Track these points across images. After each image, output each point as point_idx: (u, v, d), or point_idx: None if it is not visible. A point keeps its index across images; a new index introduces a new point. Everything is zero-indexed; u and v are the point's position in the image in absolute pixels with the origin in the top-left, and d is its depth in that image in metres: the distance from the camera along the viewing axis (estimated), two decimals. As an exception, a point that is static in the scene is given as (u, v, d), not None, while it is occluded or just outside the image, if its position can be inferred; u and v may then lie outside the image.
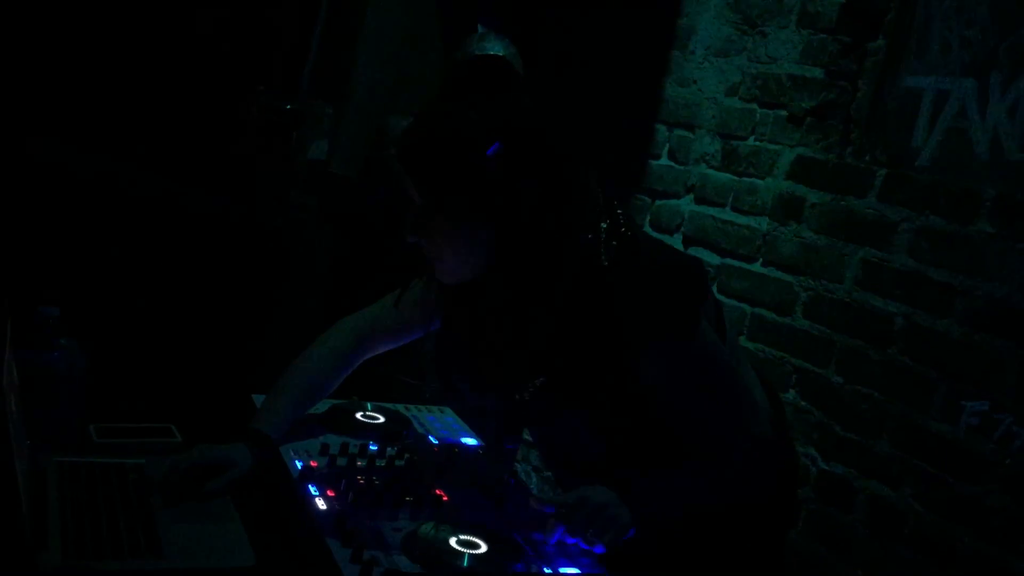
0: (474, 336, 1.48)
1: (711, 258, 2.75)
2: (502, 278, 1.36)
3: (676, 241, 2.89)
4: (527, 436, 3.17)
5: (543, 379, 1.43)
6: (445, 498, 1.46)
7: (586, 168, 1.39)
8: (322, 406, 1.74)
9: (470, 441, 1.74)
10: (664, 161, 2.96)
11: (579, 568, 1.33)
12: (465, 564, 1.27)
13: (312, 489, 1.41)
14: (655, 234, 2.90)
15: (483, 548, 1.30)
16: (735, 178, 2.72)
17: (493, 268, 1.36)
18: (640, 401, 1.43)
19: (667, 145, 2.95)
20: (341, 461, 1.51)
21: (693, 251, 2.79)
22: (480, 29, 2.81)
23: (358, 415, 1.72)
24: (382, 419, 1.72)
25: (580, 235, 1.37)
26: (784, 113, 2.59)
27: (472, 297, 1.45)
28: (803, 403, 2.44)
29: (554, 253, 1.34)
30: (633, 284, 1.37)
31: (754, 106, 2.69)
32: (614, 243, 1.38)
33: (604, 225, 1.39)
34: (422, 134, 1.35)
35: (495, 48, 2.73)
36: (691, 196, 2.86)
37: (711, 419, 1.43)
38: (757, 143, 2.67)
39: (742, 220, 2.67)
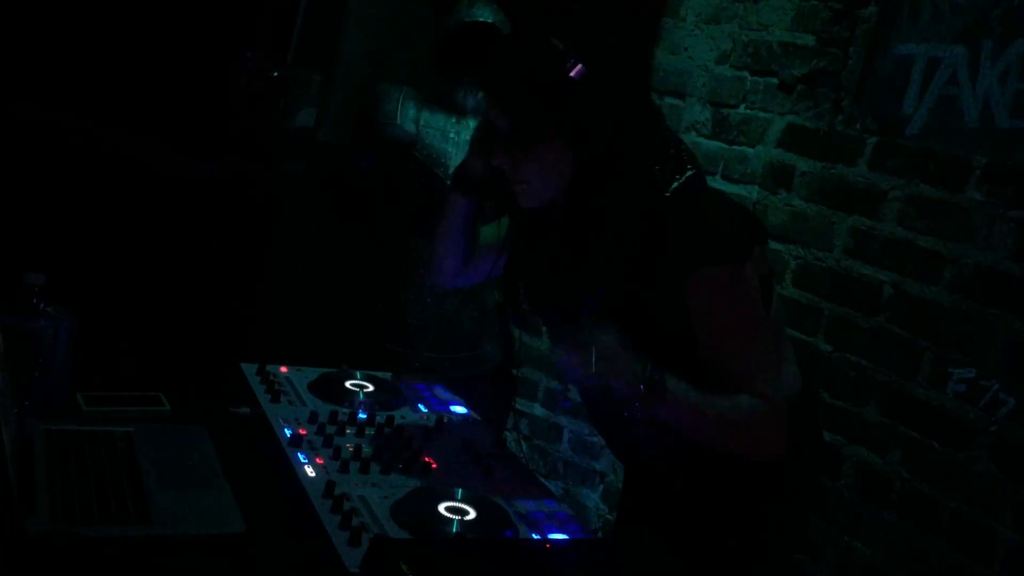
0: (540, 254, 1.54)
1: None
2: (575, 200, 1.42)
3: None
4: (519, 406, 3.18)
5: (601, 294, 1.44)
6: (434, 465, 1.46)
7: (656, 104, 1.46)
8: (312, 374, 1.74)
9: (459, 409, 1.75)
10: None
11: (567, 534, 1.34)
12: (454, 530, 1.27)
13: (301, 456, 1.41)
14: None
15: (472, 515, 1.31)
16: (725, 146, 2.71)
17: (568, 191, 1.43)
18: (680, 341, 1.43)
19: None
20: (330, 429, 1.51)
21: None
22: (469, -5, 2.77)
23: (347, 383, 1.72)
24: (371, 387, 1.72)
25: (649, 163, 1.43)
26: (775, 81, 2.58)
27: (542, 221, 1.52)
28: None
29: (625, 177, 1.41)
30: (692, 213, 1.42)
31: (745, 74, 2.67)
32: (678, 176, 1.43)
33: (669, 155, 1.46)
34: (509, 59, 1.43)
35: (484, 15, 2.70)
36: (681, 164, 2.85)
37: (734, 366, 1.43)
38: (748, 111, 2.65)
39: (732, 188, 2.66)
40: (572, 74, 1.36)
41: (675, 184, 1.43)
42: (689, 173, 1.45)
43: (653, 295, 1.42)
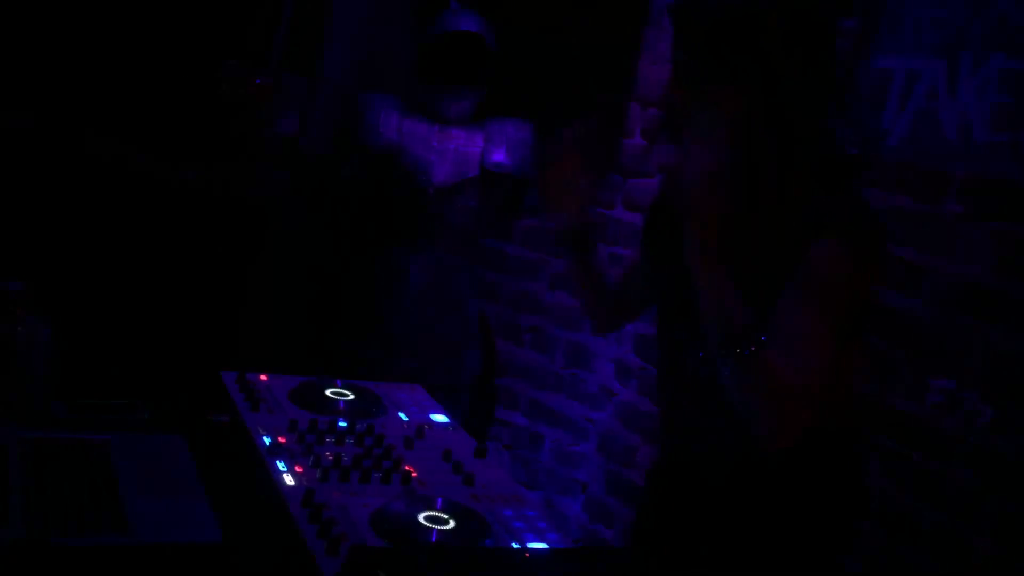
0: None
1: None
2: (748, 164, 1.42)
3: (648, 220, 2.89)
4: (500, 415, 3.18)
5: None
6: (414, 474, 1.46)
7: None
8: (292, 382, 1.73)
9: (440, 418, 1.74)
10: (637, 140, 2.96)
11: (547, 544, 1.34)
12: (433, 540, 1.27)
13: (280, 465, 1.40)
14: (628, 213, 2.91)
15: (451, 524, 1.30)
16: (707, 157, 2.72)
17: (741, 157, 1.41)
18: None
19: (639, 125, 2.95)
20: (310, 437, 1.51)
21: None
22: (453, 5, 2.78)
23: (327, 392, 1.71)
24: (351, 396, 1.72)
25: (823, 142, 1.45)
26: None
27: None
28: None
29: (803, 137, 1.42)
30: (840, 197, 1.43)
31: (727, 85, 2.69)
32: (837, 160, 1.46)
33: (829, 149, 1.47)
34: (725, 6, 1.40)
35: (468, 24, 2.71)
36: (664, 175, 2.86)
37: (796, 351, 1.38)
38: (730, 122, 2.67)
39: (714, 199, 2.67)
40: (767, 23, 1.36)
41: (853, 151, 1.47)
42: (850, 156, 1.49)
43: (776, 260, 1.41)
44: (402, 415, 1.71)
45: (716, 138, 1.41)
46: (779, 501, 1.51)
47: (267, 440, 1.48)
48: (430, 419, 1.73)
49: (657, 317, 1.63)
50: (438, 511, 1.32)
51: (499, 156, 2.76)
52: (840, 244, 1.40)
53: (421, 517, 1.30)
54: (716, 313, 1.39)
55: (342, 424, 1.58)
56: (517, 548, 1.31)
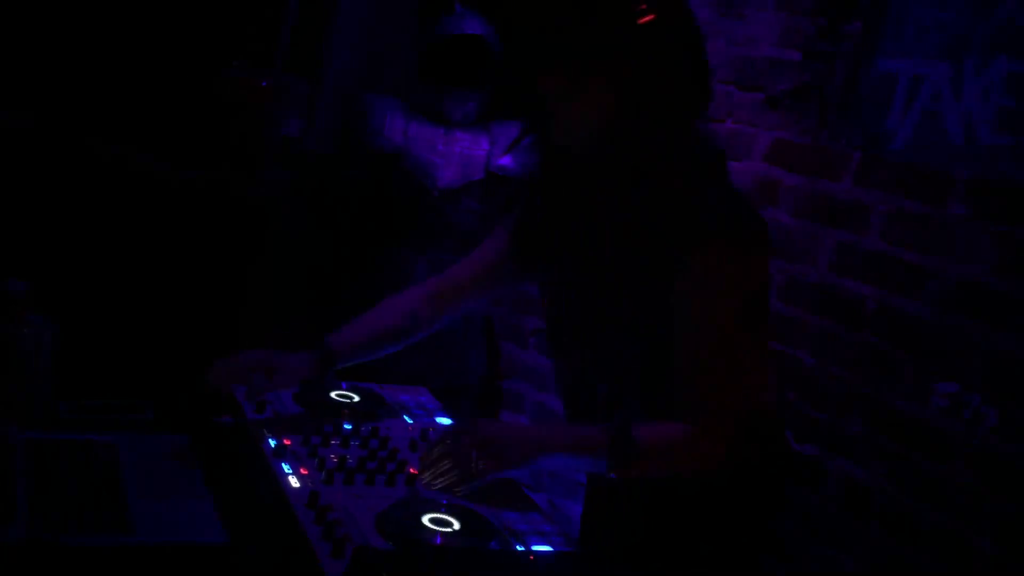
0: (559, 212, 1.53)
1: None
2: (608, 149, 1.42)
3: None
4: (504, 418, 3.18)
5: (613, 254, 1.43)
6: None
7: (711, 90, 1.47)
8: (296, 385, 1.73)
9: (444, 421, 1.74)
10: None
11: (551, 546, 1.34)
12: (438, 542, 1.27)
13: (285, 467, 1.41)
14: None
15: (456, 526, 1.30)
16: (711, 160, 2.72)
17: (601, 143, 1.42)
18: (659, 332, 1.42)
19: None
20: (315, 439, 1.51)
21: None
22: (457, 8, 2.78)
23: (332, 394, 1.71)
24: (356, 398, 1.72)
25: (683, 133, 1.43)
26: (761, 96, 2.60)
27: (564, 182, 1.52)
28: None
29: (658, 137, 1.40)
30: (710, 196, 1.41)
31: (732, 88, 2.69)
32: (705, 155, 1.44)
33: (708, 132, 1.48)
34: None
35: (472, 27, 2.71)
36: (667, 177, 2.86)
37: (709, 369, 1.40)
38: (734, 126, 2.67)
39: (718, 202, 2.67)
40: (640, 21, 1.36)
41: (701, 159, 1.43)
42: (721, 152, 1.47)
43: (653, 266, 1.40)
44: (407, 417, 1.71)
45: (581, 125, 1.42)
46: (700, 502, 1.51)
47: (272, 442, 1.48)
48: (435, 421, 1.73)
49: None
50: (443, 513, 1.32)
51: (504, 159, 2.76)
52: (728, 245, 1.38)
53: (426, 519, 1.30)
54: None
55: (347, 426, 1.58)
56: (521, 551, 1.31)
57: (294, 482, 1.36)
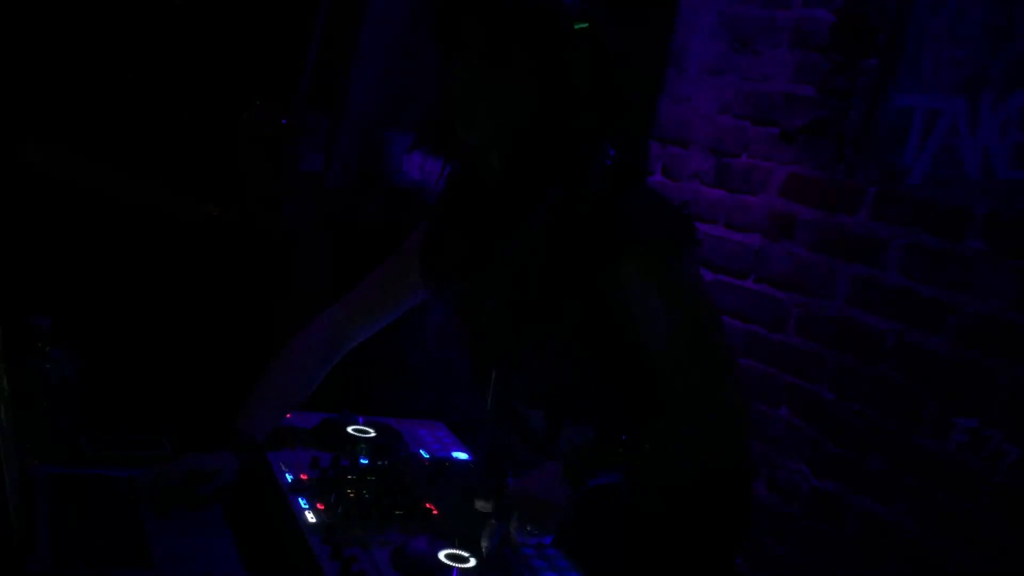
0: (465, 224, 1.50)
1: (703, 275, 2.76)
2: (516, 155, 1.39)
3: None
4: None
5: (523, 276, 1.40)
6: (435, 512, 1.46)
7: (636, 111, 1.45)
8: (313, 419, 1.74)
9: (461, 455, 1.74)
10: (658, 177, 2.97)
11: (568, 582, 1.33)
12: (454, 577, 1.27)
13: (302, 502, 1.41)
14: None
15: (472, 562, 1.30)
16: (728, 195, 2.73)
17: (512, 147, 1.39)
18: (606, 341, 1.40)
19: (661, 162, 2.97)
20: (331, 474, 1.51)
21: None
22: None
23: (349, 429, 1.72)
24: (373, 433, 1.73)
25: (599, 145, 1.39)
26: (777, 130, 2.61)
27: (471, 195, 1.50)
28: (795, 419, 2.45)
29: (575, 145, 1.37)
30: (631, 200, 1.38)
31: (747, 123, 2.71)
32: (621, 167, 1.41)
33: (614, 154, 1.42)
34: None
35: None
36: (684, 212, 2.87)
37: (680, 369, 1.38)
38: (750, 160, 2.68)
39: (735, 237, 2.68)
40: (572, 25, 1.34)
41: (617, 171, 1.39)
42: (633, 166, 1.42)
43: (581, 284, 1.37)
44: (423, 452, 1.72)
45: (493, 120, 1.38)
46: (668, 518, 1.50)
47: (289, 477, 1.48)
48: (451, 456, 1.73)
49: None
50: (459, 549, 1.32)
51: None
52: (658, 249, 1.36)
53: (442, 555, 1.30)
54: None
55: (363, 461, 1.59)
56: (537, 587, 1.31)
57: (311, 517, 1.37)
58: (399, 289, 1.70)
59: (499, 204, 1.45)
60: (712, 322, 1.43)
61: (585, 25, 1.35)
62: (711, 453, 1.42)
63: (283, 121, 2.95)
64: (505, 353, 1.51)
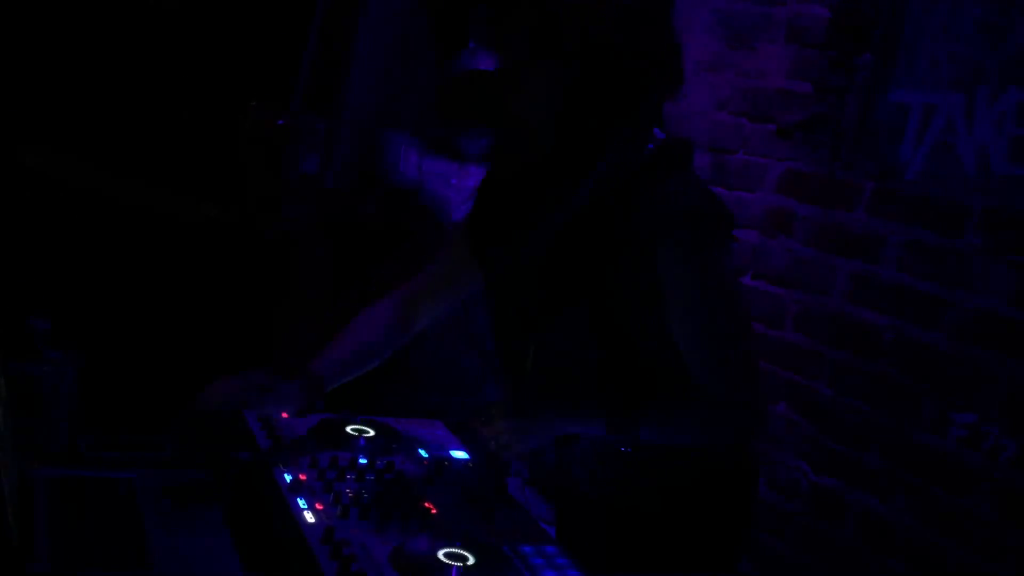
0: (509, 205, 1.51)
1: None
2: (565, 132, 1.39)
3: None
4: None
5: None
6: (434, 511, 1.46)
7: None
8: (312, 419, 1.74)
9: (460, 455, 1.75)
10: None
11: (567, 580, 1.33)
12: (453, 577, 1.27)
13: (301, 502, 1.41)
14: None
15: (471, 561, 1.31)
16: (725, 191, 2.73)
17: (559, 121, 1.39)
18: (631, 318, 1.41)
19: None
20: (330, 474, 1.52)
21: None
22: (471, 45, 2.82)
23: (348, 428, 1.72)
24: (372, 432, 1.73)
25: (645, 124, 1.41)
26: (773, 127, 2.61)
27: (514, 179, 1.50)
28: (794, 416, 2.45)
29: (621, 123, 1.38)
30: (677, 184, 1.40)
31: (743, 120, 2.71)
32: (668, 149, 1.42)
33: (662, 137, 1.44)
34: None
35: (486, 64, 2.74)
36: (682, 209, 2.87)
37: (703, 360, 1.40)
38: (747, 156, 2.68)
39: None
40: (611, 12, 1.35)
41: (658, 144, 1.41)
42: (675, 140, 1.44)
43: (621, 264, 1.39)
44: (422, 451, 1.72)
45: (534, 112, 1.39)
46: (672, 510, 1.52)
47: (288, 477, 1.49)
48: (450, 455, 1.73)
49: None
50: (458, 548, 1.33)
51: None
52: (693, 235, 1.37)
53: (441, 554, 1.31)
54: None
55: (362, 461, 1.59)
56: (536, 585, 1.31)
57: (309, 517, 1.37)
58: (455, 273, 1.75)
59: (546, 178, 1.45)
60: (741, 318, 1.45)
61: (629, 2, 1.36)
62: (717, 443, 1.45)
63: (280, 122, 2.95)
64: (540, 322, 1.52)
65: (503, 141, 1.53)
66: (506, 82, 1.42)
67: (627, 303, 1.41)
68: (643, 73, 1.38)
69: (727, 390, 1.41)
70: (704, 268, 1.39)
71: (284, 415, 1.73)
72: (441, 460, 1.67)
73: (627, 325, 1.43)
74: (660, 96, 1.44)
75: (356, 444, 1.67)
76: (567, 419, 1.48)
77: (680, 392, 1.43)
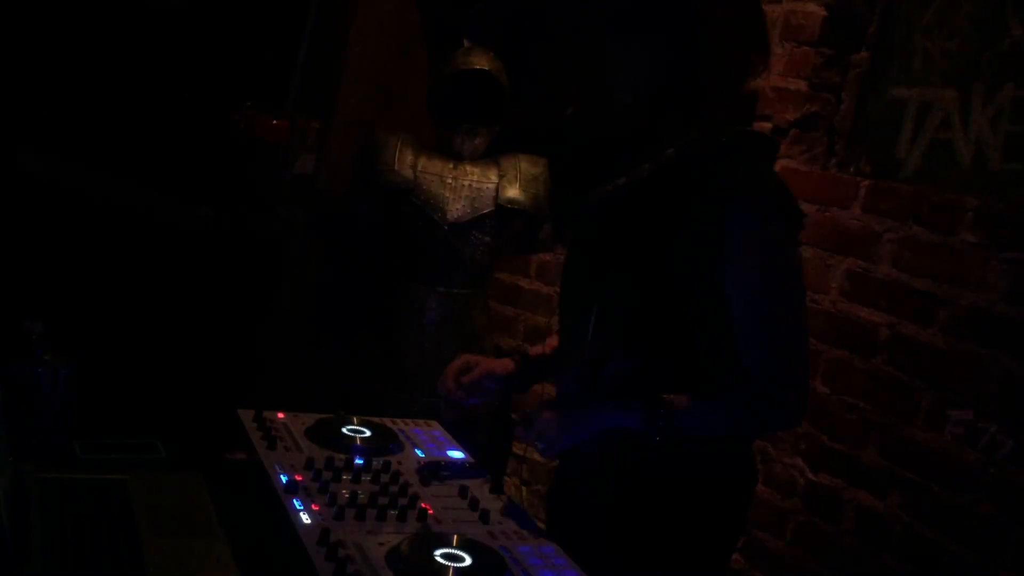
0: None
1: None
2: (658, 112, 1.45)
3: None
4: (517, 451, 3.17)
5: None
6: (430, 511, 1.46)
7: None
8: (308, 419, 1.74)
9: (456, 455, 1.74)
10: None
11: (564, 580, 1.33)
12: (450, 577, 1.27)
13: (297, 503, 1.41)
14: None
15: (467, 562, 1.30)
16: (721, 190, 2.73)
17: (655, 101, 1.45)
18: (690, 286, 1.44)
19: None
20: (326, 475, 1.51)
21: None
22: (465, 43, 2.82)
23: (344, 429, 1.72)
24: (368, 433, 1.72)
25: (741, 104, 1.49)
26: (768, 125, 2.61)
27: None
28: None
29: (712, 102, 1.44)
30: (758, 168, 1.46)
31: (739, 118, 2.70)
32: (751, 137, 1.49)
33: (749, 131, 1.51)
34: None
35: (480, 62, 2.74)
36: (677, 208, 2.87)
37: (757, 341, 1.43)
38: (742, 155, 2.68)
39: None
40: None
41: (746, 130, 1.48)
42: (761, 133, 1.54)
43: (687, 244, 1.42)
44: (418, 451, 1.71)
45: (640, 88, 1.44)
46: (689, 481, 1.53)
47: (284, 478, 1.48)
48: (446, 455, 1.73)
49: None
50: (454, 548, 1.32)
51: (513, 192, 2.78)
52: (775, 222, 1.42)
53: (437, 555, 1.30)
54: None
55: (358, 461, 1.59)
56: (534, 585, 1.30)
57: (305, 518, 1.36)
58: None
59: (631, 152, 1.49)
60: (797, 309, 1.48)
61: None
62: (767, 428, 1.49)
63: (273, 122, 2.95)
64: (605, 284, 1.54)
65: (598, 115, 1.58)
66: (608, 61, 1.47)
67: (687, 278, 1.44)
68: (736, 55, 1.44)
69: (780, 372, 1.44)
70: (771, 256, 1.43)
71: (280, 415, 1.73)
72: (438, 461, 1.67)
73: (684, 303, 1.46)
74: (748, 77, 1.49)
75: (352, 444, 1.67)
76: (610, 411, 1.50)
77: (729, 379, 1.47)
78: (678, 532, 1.54)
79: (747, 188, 1.42)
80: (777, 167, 2.53)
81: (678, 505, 1.53)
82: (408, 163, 2.77)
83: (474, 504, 1.51)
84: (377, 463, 1.60)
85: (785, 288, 1.46)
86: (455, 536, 1.36)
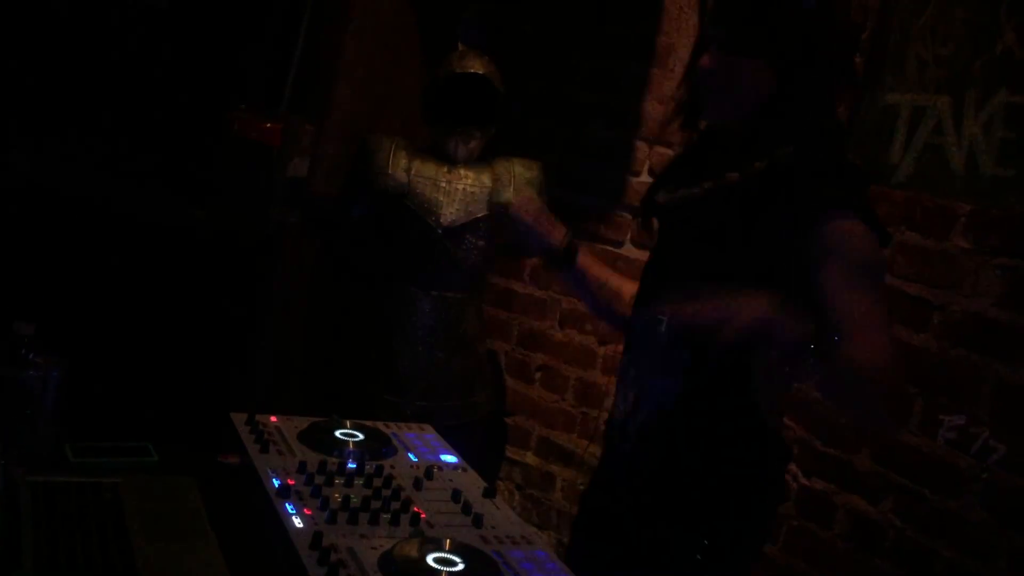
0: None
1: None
2: (756, 128, 1.53)
3: (656, 257, 2.89)
4: (510, 455, 3.17)
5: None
6: (423, 515, 1.45)
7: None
8: (301, 423, 1.73)
9: (449, 459, 1.74)
10: (644, 178, 2.97)
11: (557, 585, 1.33)
12: (442, 582, 1.26)
13: (289, 507, 1.40)
14: (636, 251, 2.91)
15: (460, 566, 1.30)
16: (714, 194, 2.73)
17: (752, 120, 1.53)
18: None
19: (647, 162, 2.97)
20: (319, 479, 1.51)
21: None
22: (460, 47, 2.82)
23: (337, 433, 1.71)
24: (361, 436, 1.72)
25: (831, 115, 1.58)
26: (762, 130, 2.61)
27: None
28: (783, 419, 2.45)
29: (803, 120, 1.52)
30: (852, 173, 1.54)
31: (733, 123, 2.70)
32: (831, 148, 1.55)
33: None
34: None
35: (475, 66, 2.74)
36: (671, 212, 2.87)
37: (857, 328, 1.43)
38: (736, 160, 2.68)
39: (722, 236, 2.68)
40: (805, 5, 1.47)
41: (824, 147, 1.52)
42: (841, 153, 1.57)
43: (781, 235, 1.46)
44: (411, 455, 1.71)
45: (737, 104, 1.52)
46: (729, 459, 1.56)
47: (276, 482, 1.47)
48: (440, 459, 1.72)
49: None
50: (447, 553, 1.32)
51: (507, 195, 2.77)
52: (861, 223, 1.46)
53: (430, 559, 1.30)
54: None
55: (351, 465, 1.58)
56: (527, 590, 1.30)
57: (298, 523, 1.36)
58: None
59: (727, 157, 1.55)
60: (882, 300, 1.53)
61: (814, 5, 1.48)
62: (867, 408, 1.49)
63: (268, 125, 2.94)
64: (691, 274, 1.57)
65: (713, 118, 1.62)
66: (727, 70, 1.52)
67: (784, 276, 1.47)
68: (836, 70, 1.57)
69: (881, 361, 1.44)
70: (868, 265, 1.48)
71: (272, 418, 1.72)
72: (431, 464, 1.67)
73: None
74: (842, 91, 1.61)
75: (345, 448, 1.66)
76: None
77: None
78: (724, 494, 1.57)
79: (856, 202, 1.49)
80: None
81: (716, 483, 1.56)
82: (402, 167, 2.77)
83: (467, 508, 1.51)
84: (370, 467, 1.59)
85: (878, 290, 1.50)
86: (448, 540, 1.35)
